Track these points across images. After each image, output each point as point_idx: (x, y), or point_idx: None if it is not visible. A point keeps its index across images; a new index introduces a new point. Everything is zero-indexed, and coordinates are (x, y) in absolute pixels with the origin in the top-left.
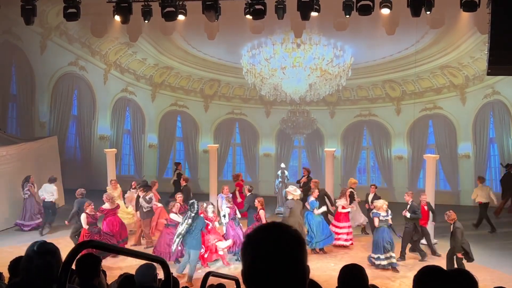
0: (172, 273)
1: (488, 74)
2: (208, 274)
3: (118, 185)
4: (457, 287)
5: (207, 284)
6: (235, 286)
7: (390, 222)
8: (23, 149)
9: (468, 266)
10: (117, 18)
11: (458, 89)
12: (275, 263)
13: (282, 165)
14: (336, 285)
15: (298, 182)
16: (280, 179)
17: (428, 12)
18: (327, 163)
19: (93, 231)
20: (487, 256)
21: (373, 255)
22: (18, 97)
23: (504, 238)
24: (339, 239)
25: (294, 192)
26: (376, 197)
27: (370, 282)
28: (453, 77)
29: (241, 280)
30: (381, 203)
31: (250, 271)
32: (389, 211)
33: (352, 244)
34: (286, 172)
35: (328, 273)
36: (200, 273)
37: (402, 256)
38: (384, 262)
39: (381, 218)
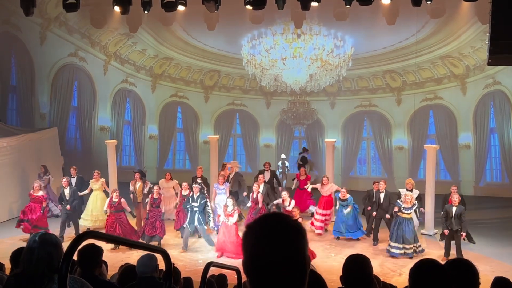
0: (173, 264)
1: (489, 64)
2: (209, 265)
3: (101, 178)
4: (458, 279)
5: (208, 275)
6: (236, 277)
7: (412, 216)
8: (23, 140)
9: (468, 256)
10: (117, 8)
11: (459, 79)
12: (275, 253)
13: (283, 156)
14: (337, 274)
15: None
16: (280, 170)
17: (428, 2)
18: (327, 154)
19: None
20: (488, 246)
21: (391, 242)
22: (18, 88)
23: (506, 228)
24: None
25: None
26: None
27: (374, 273)
28: (453, 67)
29: (242, 271)
30: (409, 198)
31: (251, 261)
32: (415, 206)
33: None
34: (287, 163)
35: (329, 263)
36: (201, 264)
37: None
38: (398, 251)
39: (402, 209)
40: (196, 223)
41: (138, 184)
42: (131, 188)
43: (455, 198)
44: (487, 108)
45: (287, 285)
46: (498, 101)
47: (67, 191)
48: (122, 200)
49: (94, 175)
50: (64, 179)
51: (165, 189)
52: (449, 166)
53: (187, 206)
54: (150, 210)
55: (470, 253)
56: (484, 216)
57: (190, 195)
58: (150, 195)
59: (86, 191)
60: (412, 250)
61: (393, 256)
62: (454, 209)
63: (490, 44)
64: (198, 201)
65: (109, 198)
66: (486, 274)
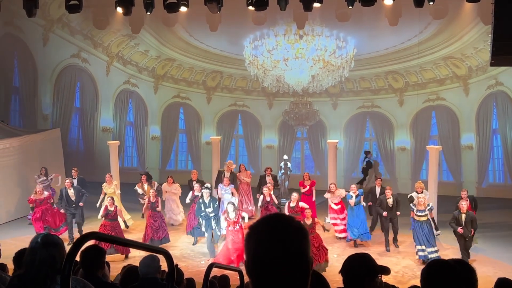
0: (177, 265)
1: (492, 65)
2: (211, 266)
3: (114, 181)
4: (461, 278)
5: (211, 276)
6: (238, 278)
7: (428, 218)
8: (26, 141)
9: (471, 257)
10: (119, 10)
11: (461, 80)
12: (278, 254)
13: (285, 157)
14: (340, 275)
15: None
16: (283, 171)
17: (431, 3)
18: (329, 155)
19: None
20: (490, 247)
21: (418, 246)
22: (20, 89)
23: (508, 230)
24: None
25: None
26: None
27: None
28: (456, 68)
29: (244, 272)
30: (422, 200)
31: (253, 263)
32: (429, 206)
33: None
34: (289, 164)
35: (331, 263)
36: (203, 265)
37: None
38: (433, 255)
39: (416, 213)
40: (214, 227)
41: (146, 186)
42: (140, 191)
43: (464, 205)
44: (490, 109)
45: (289, 286)
46: (500, 102)
47: (71, 192)
48: (118, 209)
49: (107, 178)
50: (67, 180)
51: (168, 193)
52: (452, 167)
53: (202, 214)
54: (152, 214)
55: (472, 254)
56: (487, 217)
57: (201, 201)
58: (147, 199)
59: (102, 196)
60: (438, 254)
61: (424, 259)
62: (463, 216)
63: (493, 45)
64: (211, 205)
65: (103, 207)
66: (489, 276)
